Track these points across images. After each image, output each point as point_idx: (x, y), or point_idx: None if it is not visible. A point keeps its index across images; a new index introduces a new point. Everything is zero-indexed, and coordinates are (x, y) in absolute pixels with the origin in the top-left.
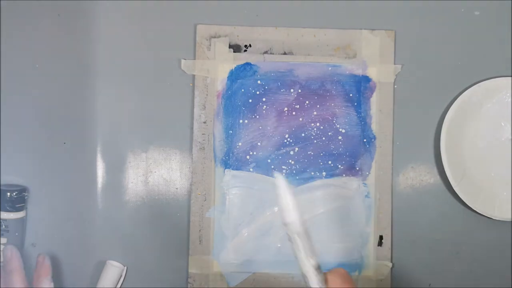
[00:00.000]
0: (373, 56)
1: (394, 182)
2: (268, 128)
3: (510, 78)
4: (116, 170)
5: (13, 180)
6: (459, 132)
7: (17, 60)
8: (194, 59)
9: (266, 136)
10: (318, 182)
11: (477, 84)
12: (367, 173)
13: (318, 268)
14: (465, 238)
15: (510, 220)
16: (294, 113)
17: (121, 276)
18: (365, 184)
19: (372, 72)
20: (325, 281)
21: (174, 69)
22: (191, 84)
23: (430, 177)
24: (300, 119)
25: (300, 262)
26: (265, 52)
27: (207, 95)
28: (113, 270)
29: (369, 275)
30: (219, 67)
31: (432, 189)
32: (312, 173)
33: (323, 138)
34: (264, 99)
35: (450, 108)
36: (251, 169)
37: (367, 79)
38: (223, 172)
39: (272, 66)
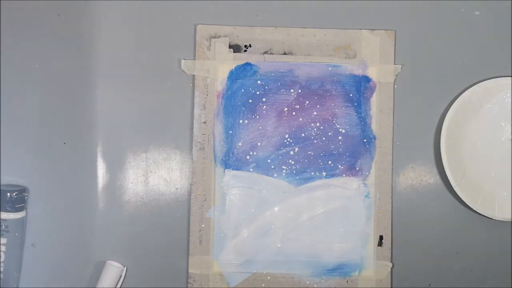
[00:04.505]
0: (373, 56)
1: (394, 182)
2: (268, 128)
3: (510, 78)
4: (116, 170)
5: (13, 180)
6: (459, 132)
7: (17, 60)
8: (194, 59)
9: (266, 136)
10: (318, 182)
11: (477, 84)
12: (367, 173)
13: None
14: (465, 238)
15: (510, 220)
16: (294, 113)
17: (120, 276)
18: (365, 184)
19: (372, 72)
20: None
21: (174, 69)
22: (191, 84)
23: (430, 177)
24: (300, 119)
25: None
26: (265, 52)
27: (207, 95)
28: (113, 270)
29: (369, 275)
30: (219, 67)
31: (432, 189)
32: (312, 173)
33: (323, 138)
34: (264, 99)
35: (450, 108)
36: (251, 169)
37: (367, 79)
38: (223, 172)
39: (272, 66)
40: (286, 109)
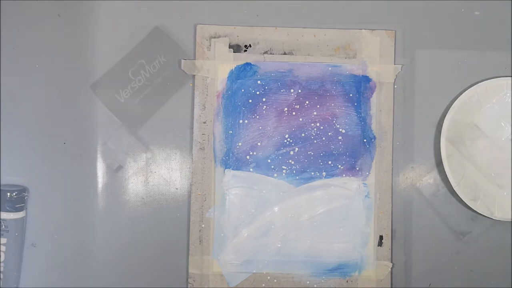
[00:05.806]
0: (373, 56)
1: (394, 182)
2: (268, 128)
3: (510, 78)
4: (116, 170)
5: (13, 180)
6: (459, 132)
7: (17, 60)
8: (194, 59)
9: (266, 136)
10: (318, 182)
11: (477, 84)
12: (367, 173)
13: None
14: (465, 238)
15: (510, 220)
16: (294, 113)
17: None
18: (365, 184)
19: (372, 72)
20: None
21: (174, 69)
22: (191, 84)
23: (430, 177)
24: (300, 119)
25: None
26: (265, 52)
27: (207, 95)
28: None
29: (369, 275)
30: (219, 67)
31: (432, 189)
32: (312, 173)
33: (323, 138)
34: (264, 99)
35: (450, 108)
36: (251, 169)
37: (367, 79)
38: (223, 172)
39: (272, 66)
40: (286, 109)
